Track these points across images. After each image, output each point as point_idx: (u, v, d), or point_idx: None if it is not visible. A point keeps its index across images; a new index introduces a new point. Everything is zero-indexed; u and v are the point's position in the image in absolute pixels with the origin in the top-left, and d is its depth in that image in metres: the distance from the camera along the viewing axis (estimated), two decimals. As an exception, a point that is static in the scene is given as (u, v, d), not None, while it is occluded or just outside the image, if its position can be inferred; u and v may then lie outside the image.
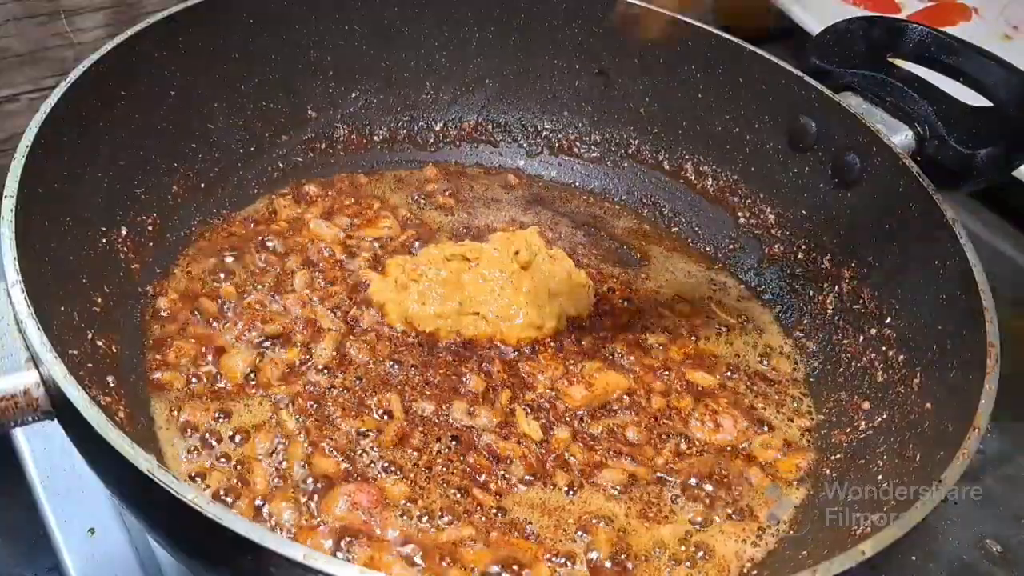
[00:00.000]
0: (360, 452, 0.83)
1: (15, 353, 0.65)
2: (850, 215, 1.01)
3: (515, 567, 0.76)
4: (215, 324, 0.92)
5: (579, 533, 0.80)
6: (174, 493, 0.55)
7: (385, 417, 0.86)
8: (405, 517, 0.78)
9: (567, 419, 0.89)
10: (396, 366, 0.91)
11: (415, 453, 0.83)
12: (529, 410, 0.89)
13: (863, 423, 0.90)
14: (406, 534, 0.77)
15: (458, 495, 0.81)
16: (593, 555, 0.79)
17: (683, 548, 0.81)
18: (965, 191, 1.02)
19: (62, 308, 0.77)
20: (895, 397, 0.88)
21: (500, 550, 0.77)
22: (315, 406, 0.86)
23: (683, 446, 0.89)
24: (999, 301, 0.81)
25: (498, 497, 0.81)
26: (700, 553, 0.80)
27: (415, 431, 0.85)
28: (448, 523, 0.78)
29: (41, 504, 0.93)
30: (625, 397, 0.92)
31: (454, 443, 0.85)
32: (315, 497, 0.78)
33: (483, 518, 0.79)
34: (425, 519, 0.78)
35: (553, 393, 0.91)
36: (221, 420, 0.84)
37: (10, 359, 0.65)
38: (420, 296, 0.95)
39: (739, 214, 1.13)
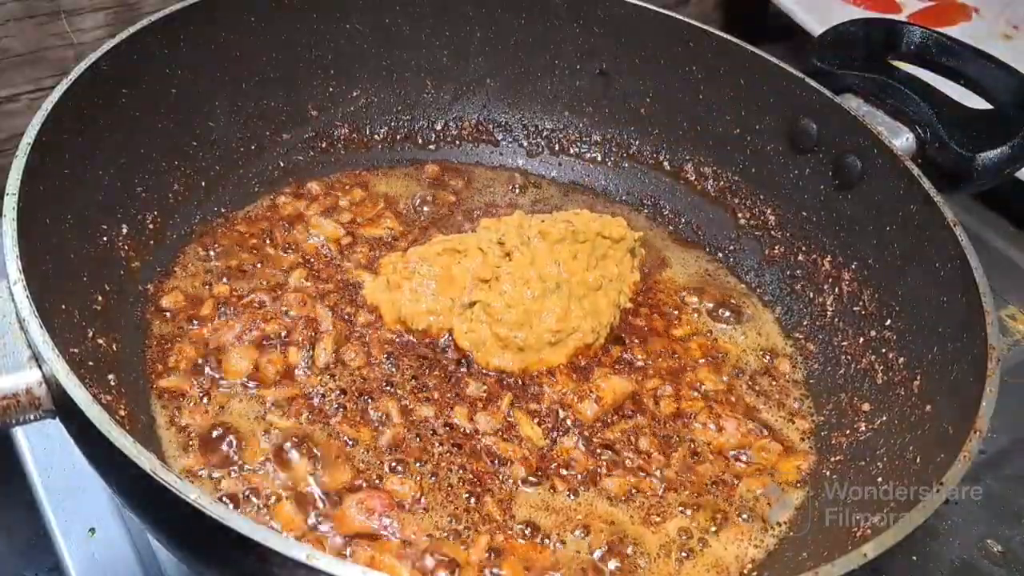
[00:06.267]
0: (361, 457, 0.83)
1: (17, 352, 0.65)
2: (850, 217, 1.01)
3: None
4: (216, 324, 0.92)
5: (582, 534, 0.80)
6: (177, 493, 0.55)
7: (384, 422, 0.86)
8: (420, 519, 0.78)
9: (573, 427, 0.89)
10: (394, 369, 0.91)
11: (416, 461, 0.83)
12: (533, 415, 0.89)
13: (863, 425, 0.90)
14: (424, 534, 0.77)
15: (464, 502, 0.81)
16: (596, 555, 0.79)
17: (684, 549, 0.81)
18: (965, 193, 1.02)
19: (63, 306, 0.77)
20: (895, 399, 0.88)
21: (508, 555, 0.77)
22: (315, 410, 0.86)
23: (687, 450, 0.89)
24: (999, 302, 0.81)
25: (502, 503, 0.81)
26: (701, 554, 0.80)
27: (414, 436, 0.85)
28: (454, 531, 0.78)
29: (41, 504, 0.93)
30: (632, 401, 0.92)
31: (455, 448, 0.85)
32: (323, 503, 0.78)
33: (489, 523, 0.79)
34: (434, 527, 0.78)
35: (559, 406, 0.90)
36: (222, 423, 0.84)
37: (12, 358, 0.65)
38: (412, 295, 0.95)
39: (739, 215, 1.14)
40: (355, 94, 1.17)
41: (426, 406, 0.88)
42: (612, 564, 0.79)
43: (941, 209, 0.90)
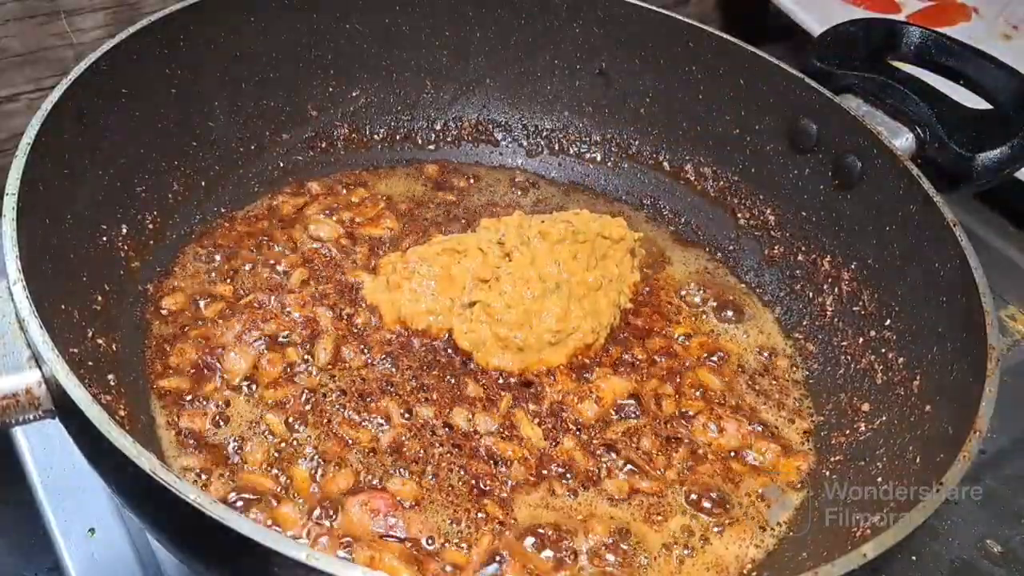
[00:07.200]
0: (361, 458, 0.83)
1: (17, 352, 0.65)
2: (850, 217, 1.01)
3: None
4: (216, 324, 0.92)
5: (583, 534, 0.80)
6: (177, 493, 0.55)
7: (384, 422, 0.86)
8: (422, 519, 0.78)
9: (573, 427, 0.89)
10: (394, 369, 0.91)
11: (416, 462, 0.83)
12: (533, 416, 0.89)
13: (863, 425, 0.90)
14: (427, 536, 0.77)
15: (464, 503, 0.81)
16: (595, 550, 0.79)
17: (684, 549, 0.81)
18: (965, 193, 1.02)
19: (63, 306, 0.77)
20: (895, 399, 0.88)
21: (509, 556, 0.77)
22: (314, 411, 0.86)
23: (688, 450, 0.89)
24: (999, 302, 0.81)
25: (503, 503, 0.81)
26: (701, 553, 0.81)
27: (414, 437, 0.85)
28: (456, 532, 0.78)
29: (41, 504, 0.93)
30: (633, 401, 0.92)
31: (455, 449, 0.85)
32: (324, 504, 0.78)
33: (490, 523, 0.79)
34: (435, 528, 0.78)
35: (560, 406, 0.90)
36: (222, 423, 0.84)
37: (11, 357, 0.65)
38: (412, 295, 0.95)
39: (739, 215, 1.14)
40: (355, 94, 1.17)
41: (426, 406, 0.87)
42: (613, 563, 0.78)
43: (941, 209, 0.90)
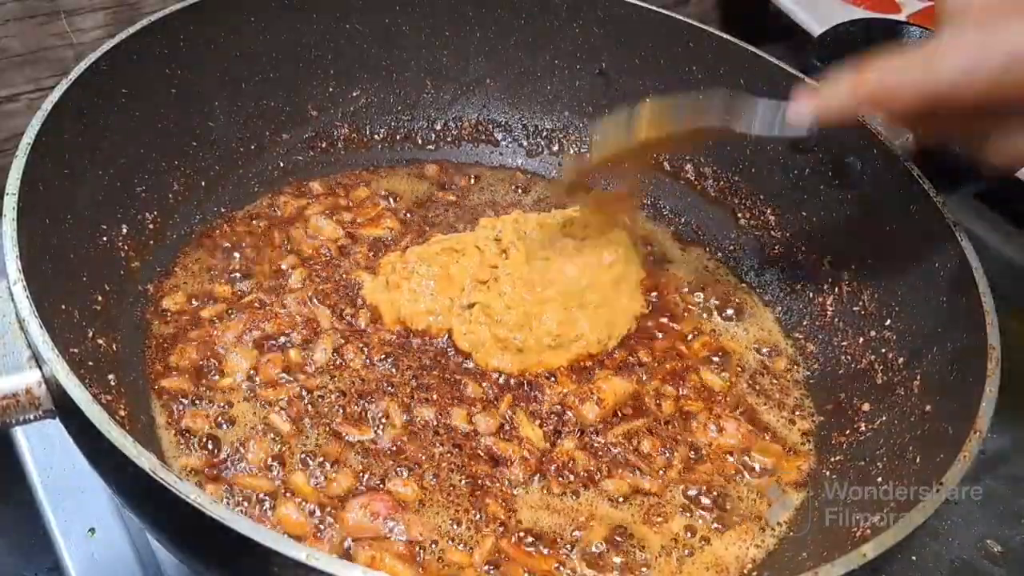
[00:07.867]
0: (361, 459, 0.83)
1: (17, 352, 0.65)
2: (850, 217, 1.01)
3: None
4: (216, 323, 0.92)
5: (583, 534, 0.80)
6: (177, 493, 0.55)
7: (383, 423, 0.86)
8: (423, 520, 0.78)
9: (574, 428, 0.89)
10: (394, 369, 0.91)
11: (416, 463, 0.83)
12: (533, 417, 0.89)
13: (863, 425, 0.90)
14: (430, 538, 0.77)
15: (466, 503, 0.81)
16: (597, 555, 0.79)
17: (685, 549, 0.81)
18: (965, 193, 1.02)
19: (63, 306, 0.77)
20: (895, 399, 0.88)
21: (510, 556, 0.77)
22: (314, 412, 0.86)
23: (688, 450, 0.89)
24: (999, 302, 0.81)
25: (504, 504, 0.81)
26: (701, 554, 0.80)
27: (414, 438, 0.85)
28: (457, 532, 0.78)
29: (41, 504, 0.93)
30: (634, 402, 0.92)
31: (456, 449, 0.85)
32: (325, 505, 0.78)
33: (492, 523, 0.79)
34: (436, 529, 0.78)
35: (561, 408, 0.90)
36: (222, 423, 0.84)
37: (11, 357, 0.65)
38: (411, 295, 0.95)
39: (739, 215, 1.13)
40: (355, 94, 1.17)
41: (426, 407, 0.87)
42: (613, 563, 0.78)
43: (941, 209, 0.90)
